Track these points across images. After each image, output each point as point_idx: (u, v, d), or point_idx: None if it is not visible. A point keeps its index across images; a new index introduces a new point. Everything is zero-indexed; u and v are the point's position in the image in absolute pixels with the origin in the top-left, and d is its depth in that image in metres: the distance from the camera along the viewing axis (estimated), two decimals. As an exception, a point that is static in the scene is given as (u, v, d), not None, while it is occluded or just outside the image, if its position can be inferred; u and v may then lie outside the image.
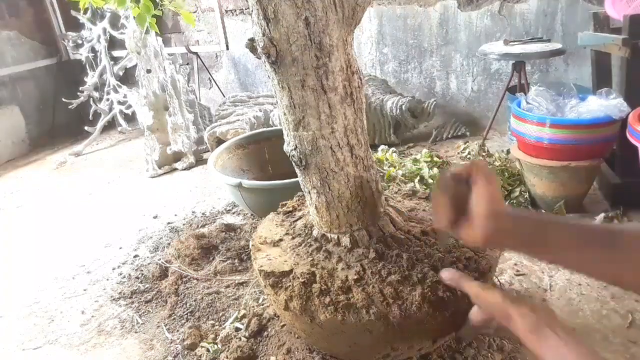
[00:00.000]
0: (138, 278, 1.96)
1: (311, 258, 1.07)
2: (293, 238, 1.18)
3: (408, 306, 0.91)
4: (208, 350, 1.49)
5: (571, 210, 2.08)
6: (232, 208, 2.51)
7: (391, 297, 0.93)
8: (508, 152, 2.65)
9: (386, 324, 0.92)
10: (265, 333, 1.46)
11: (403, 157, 2.75)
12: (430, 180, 2.34)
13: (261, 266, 1.09)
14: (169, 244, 2.19)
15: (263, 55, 0.84)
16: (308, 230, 1.16)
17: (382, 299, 0.93)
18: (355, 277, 0.99)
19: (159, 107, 3.17)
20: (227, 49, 3.78)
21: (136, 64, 3.15)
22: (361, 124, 1.00)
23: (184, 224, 2.39)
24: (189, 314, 1.69)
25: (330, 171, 0.99)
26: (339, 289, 0.97)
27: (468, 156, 2.72)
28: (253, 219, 2.31)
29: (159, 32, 2.76)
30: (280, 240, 1.19)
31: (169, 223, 2.44)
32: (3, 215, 2.81)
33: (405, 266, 0.99)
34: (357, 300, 0.94)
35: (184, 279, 1.87)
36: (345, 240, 1.06)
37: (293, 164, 1.03)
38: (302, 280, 1.00)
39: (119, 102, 3.81)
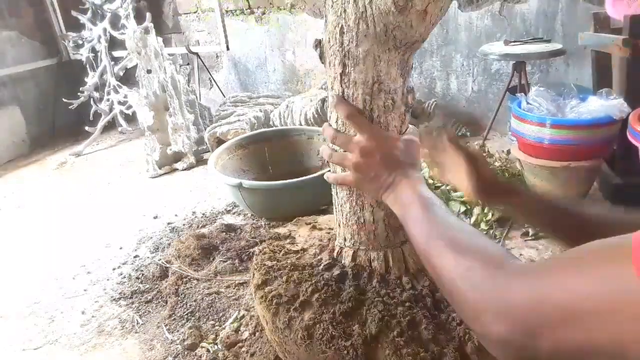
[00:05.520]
0: (138, 278, 1.96)
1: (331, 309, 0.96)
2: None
3: None
4: (208, 350, 1.49)
5: (571, 211, 2.08)
6: (233, 208, 2.51)
7: None
8: (508, 152, 2.65)
9: None
10: (266, 333, 1.46)
11: (403, 157, 2.74)
12: (430, 181, 2.34)
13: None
14: (169, 244, 2.19)
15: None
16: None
17: None
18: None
19: (159, 108, 3.17)
20: (228, 49, 3.78)
21: (136, 64, 3.15)
22: None
23: (184, 224, 2.39)
24: (189, 314, 1.69)
25: None
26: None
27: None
28: (253, 219, 2.32)
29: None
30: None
31: (169, 223, 2.44)
32: (3, 215, 2.81)
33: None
34: None
35: (184, 279, 1.87)
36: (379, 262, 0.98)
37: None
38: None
39: (120, 103, 3.81)
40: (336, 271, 1.00)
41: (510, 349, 0.48)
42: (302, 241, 1.20)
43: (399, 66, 0.83)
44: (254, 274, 1.09)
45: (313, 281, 1.00)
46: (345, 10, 0.79)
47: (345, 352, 0.87)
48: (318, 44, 0.88)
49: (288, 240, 1.23)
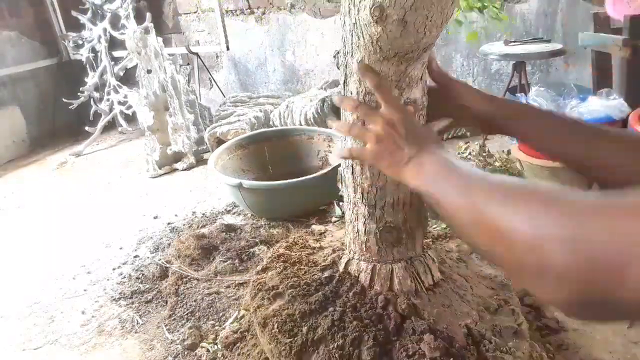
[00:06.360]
0: (138, 278, 1.96)
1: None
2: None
3: None
4: (208, 350, 1.49)
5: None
6: (232, 208, 2.51)
7: None
8: (509, 152, 2.65)
9: None
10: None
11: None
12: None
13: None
14: (169, 244, 2.19)
15: None
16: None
17: None
18: None
19: (159, 108, 3.17)
20: (228, 49, 3.78)
21: (136, 64, 3.15)
22: None
23: (184, 224, 2.39)
24: (189, 314, 1.69)
25: None
26: None
27: (469, 156, 2.72)
28: (253, 219, 2.32)
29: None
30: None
31: (169, 223, 2.44)
32: (4, 215, 2.81)
33: None
34: None
35: (184, 279, 1.87)
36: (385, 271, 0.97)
37: None
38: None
39: (120, 103, 3.81)
40: (327, 274, 1.04)
41: (572, 284, 0.44)
42: (328, 240, 1.25)
43: (392, 77, 0.82)
44: (265, 259, 1.17)
45: (299, 277, 1.05)
46: (344, 23, 0.81)
47: (282, 348, 0.91)
48: (336, 54, 0.91)
49: (317, 237, 1.28)
